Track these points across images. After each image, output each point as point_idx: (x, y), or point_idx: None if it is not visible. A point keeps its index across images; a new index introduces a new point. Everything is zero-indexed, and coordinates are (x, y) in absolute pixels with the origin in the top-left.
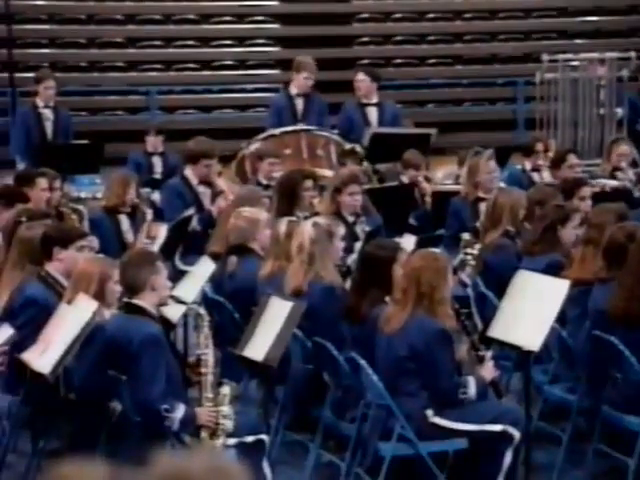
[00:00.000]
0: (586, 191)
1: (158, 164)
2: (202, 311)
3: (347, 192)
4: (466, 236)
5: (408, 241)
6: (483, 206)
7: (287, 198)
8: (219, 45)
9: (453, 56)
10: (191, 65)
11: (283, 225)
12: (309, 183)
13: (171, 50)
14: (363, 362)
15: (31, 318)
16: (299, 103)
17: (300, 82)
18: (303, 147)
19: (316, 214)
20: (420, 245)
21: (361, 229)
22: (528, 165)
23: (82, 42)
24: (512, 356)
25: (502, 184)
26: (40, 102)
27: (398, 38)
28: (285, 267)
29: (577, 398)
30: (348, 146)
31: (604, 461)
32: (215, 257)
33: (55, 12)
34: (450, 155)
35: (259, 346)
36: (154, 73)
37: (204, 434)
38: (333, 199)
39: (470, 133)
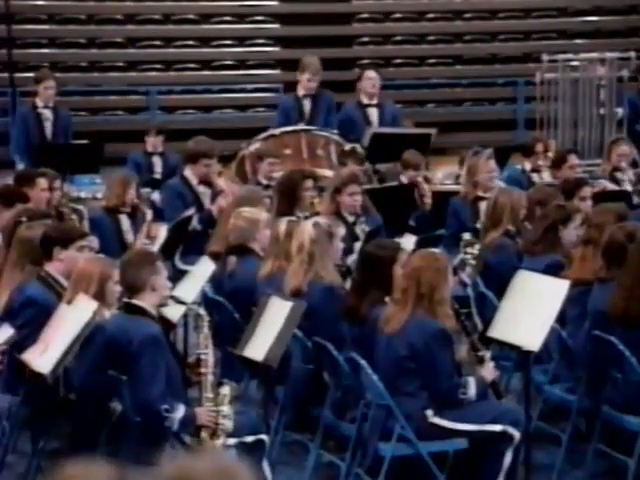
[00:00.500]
0: (587, 191)
1: (158, 164)
2: (202, 311)
3: (347, 192)
4: (466, 236)
5: (408, 241)
6: (483, 206)
7: (287, 198)
8: (219, 45)
9: (453, 56)
10: (191, 65)
11: (283, 225)
12: (309, 183)
13: (171, 50)
14: (363, 362)
15: (31, 318)
16: (306, 104)
17: (303, 83)
18: (303, 147)
19: (316, 214)
20: (420, 245)
21: (361, 229)
22: (528, 165)
23: (82, 42)
24: (512, 356)
25: (502, 184)
26: (40, 102)
27: (398, 38)
28: (285, 267)
29: (577, 398)
30: (348, 146)
31: (604, 461)
32: (215, 257)
33: (55, 12)
34: (450, 155)
35: (259, 346)
36: (154, 73)
37: (204, 434)
38: (333, 199)
39: (470, 133)
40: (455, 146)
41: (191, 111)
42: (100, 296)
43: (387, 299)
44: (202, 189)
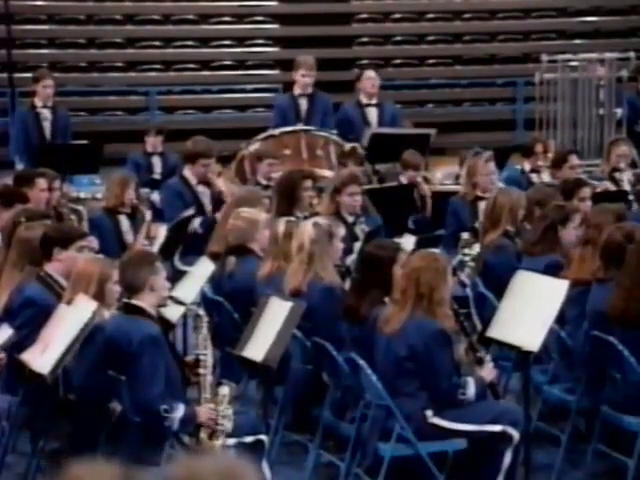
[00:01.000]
0: (586, 192)
1: (157, 164)
2: (201, 312)
3: (347, 192)
4: (465, 236)
5: (408, 241)
6: (482, 206)
7: (286, 198)
8: (218, 45)
9: (452, 56)
10: (190, 65)
11: (282, 225)
12: (308, 183)
13: (170, 50)
14: (362, 362)
15: (30, 318)
16: (303, 103)
17: (299, 80)
18: (302, 147)
19: (315, 214)
20: (420, 245)
21: (360, 229)
22: (527, 166)
23: (81, 42)
24: (511, 356)
25: (501, 184)
26: (38, 102)
27: (397, 38)
28: (284, 267)
29: (576, 398)
30: (348, 147)
31: (603, 461)
32: (214, 257)
33: (54, 12)
34: (450, 155)
35: (258, 346)
36: (153, 73)
37: (203, 434)
38: (333, 199)
39: (470, 133)
40: (454, 146)
41: (190, 111)
42: (99, 296)
43: (386, 299)
44: (201, 189)
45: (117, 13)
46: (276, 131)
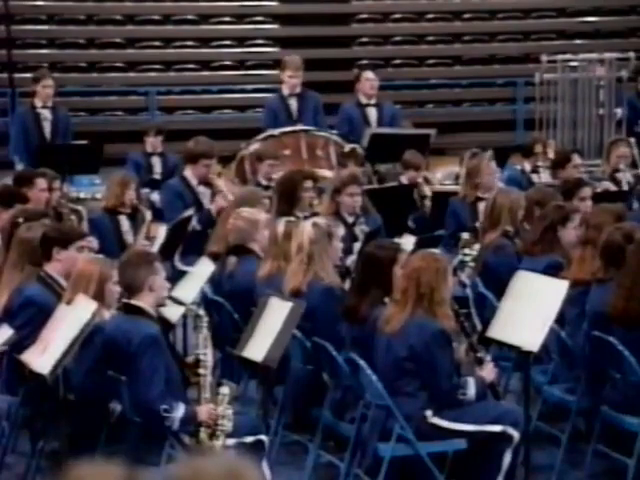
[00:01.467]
0: (586, 192)
1: (157, 164)
2: (201, 312)
3: (347, 193)
4: (465, 236)
5: (407, 241)
6: (482, 206)
7: (286, 198)
8: (218, 45)
9: (452, 56)
10: (190, 65)
11: (281, 225)
12: (308, 183)
13: (170, 50)
14: (362, 362)
15: (30, 319)
16: (293, 103)
17: (286, 81)
18: (302, 148)
19: (315, 214)
20: (419, 245)
21: (360, 230)
22: (527, 166)
23: (81, 42)
24: (511, 356)
25: (501, 185)
26: (38, 102)
27: (397, 38)
28: (283, 267)
29: (576, 398)
30: (348, 147)
31: (603, 462)
32: (214, 257)
33: (54, 13)
34: (449, 155)
35: (258, 346)
36: (153, 73)
37: (203, 435)
38: (333, 199)
39: (469, 133)
40: (454, 147)
41: (190, 111)
42: (99, 297)
43: (386, 300)
44: (202, 189)
45: (117, 13)
46: (276, 131)
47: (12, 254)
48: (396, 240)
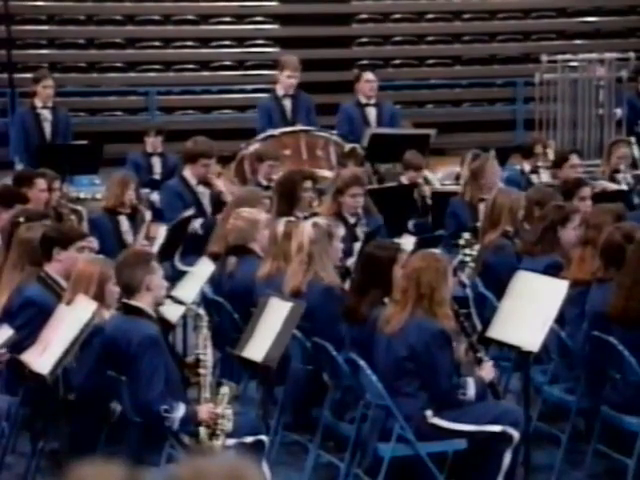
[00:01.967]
0: (586, 191)
1: (157, 165)
2: (201, 312)
3: (349, 193)
4: (465, 236)
5: (407, 242)
6: (482, 206)
7: (286, 198)
8: (218, 46)
9: (452, 57)
10: (190, 66)
11: (281, 225)
12: (308, 184)
13: (170, 51)
14: (362, 363)
15: (30, 319)
16: (287, 104)
17: (284, 81)
18: (302, 148)
19: (315, 214)
20: (419, 245)
21: (362, 231)
22: (527, 167)
23: (81, 43)
24: (511, 356)
25: (501, 185)
26: (38, 102)
27: (397, 39)
28: (283, 267)
29: (576, 398)
30: (349, 147)
31: (603, 461)
32: (214, 257)
33: (54, 13)
34: (449, 156)
35: (258, 347)
36: (153, 74)
37: (203, 435)
38: (335, 200)
39: (469, 134)
40: (454, 146)
41: (190, 112)
42: (99, 297)
43: (386, 300)
44: (201, 189)
45: (117, 13)
46: (276, 131)
47: (12, 254)
48: (396, 240)
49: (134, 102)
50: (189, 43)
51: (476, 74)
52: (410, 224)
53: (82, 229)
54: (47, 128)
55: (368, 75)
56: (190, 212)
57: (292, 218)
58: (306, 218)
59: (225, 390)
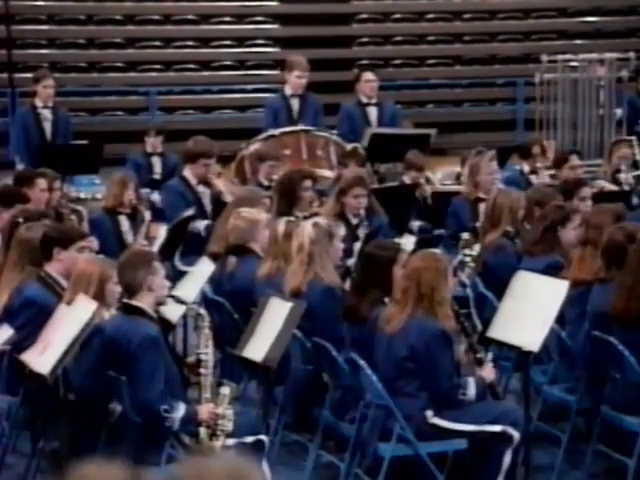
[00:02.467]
0: (586, 192)
1: (157, 165)
2: (202, 311)
3: (352, 194)
4: (465, 236)
5: (407, 241)
6: (483, 207)
7: (286, 198)
8: (218, 46)
9: (452, 56)
10: (190, 65)
11: (281, 225)
12: (308, 183)
13: (170, 50)
14: (363, 362)
15: (30, 319)
16: (294, 104)
17: (293, 81)
18: (302, 148)
19: (315, 214)
20: (420, 245)
21: (364, 232)
22: (526, 167)
23: (81, 42)
24: (511, 357)
25: (501, 185)
26: (39, 102)
27: (397, 38)
28: (283, 267)
29: (576, 399)
30: (350, 147)
31: (603, 462)
32: (215, 257)
33: (54, 13)
34: (450, 156)
35: (258, 347)
36: (153, 73)
37: (203, 435)
38: (338, 200)
39: (470, 134)
40: (455, 147)
41: (190, 112)
42: (100, 297)
43: (387, 299)
44: (202, 189)
45: (117, 13)
46: (276, 131)
47: (12, 254)
48: (396, 240)
49: (134, 102)
50: (189, 43)
51: (476, 74)
52: (415, 226)
53: (82, 229)
54: (47, 128)
55: (368, 75)
56: (190, 212)
57: (292, 218)
58: (306, 218)
59: (225, 390)
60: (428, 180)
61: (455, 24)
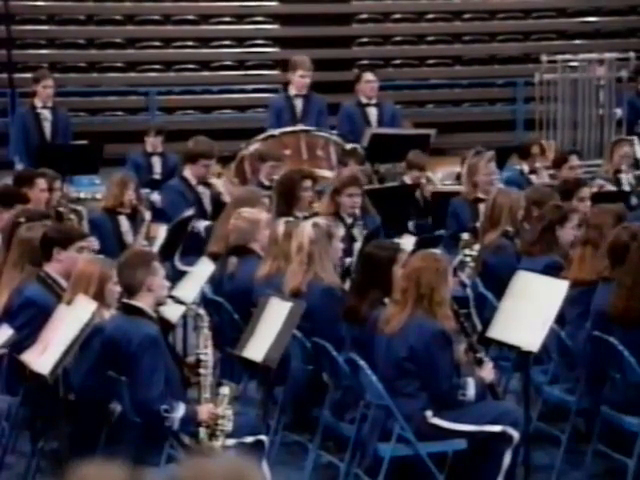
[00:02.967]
0: (585, 192)
1: (157, 165)
2: (202, 311)
3: (346, 193)
4: (465, 236)
5: (407, 241)
6: (482, 207)
7: (286, 198)
8: (218, 46)
9: (452, 57)
10: (190, 66)
11: (281, 226)
12: (308, 183)
13: (170, 51)
14: (362, 363)
15: (30, 319)
16: (298, 104)
17: (297, 81)
18: (302, 148)
19: (315, 214)
20: (420, 246)
21: (359, 231)
22: (525, 167)
23: (81, 43)
24: (511, 357)
25: (501, 185)
26: (39, 102)
27: (397, 39)
28: (283, 268)
29: (576, 399)
30: (349, 146)
31: (603, 462)
32: (214, 258)
33: (54, 13)
34: (450, 156)
35: (258, 347)
36: (153, 74)
37: (203, 435)
38: (332, 199)
39: (469, 134)
40: (454, 146)
41: (190, 112)
42: (99, 297)
43: (386, 300)
44: (202, 189)
45: (117, 13)
46: (276, 131)
47: (12, 254)
48: (396, 240)
49: (134, 102)
50: (189, 43)
51: (476, 74)
52: (410, 224)
53: (82, 229)
54: (47, 128)
55: (368, 75)
56: (190, 212)
57: (292, 218)
58: (306, 218)
59: (225, 390)
60: (429, 180)
61: (455, 24)
